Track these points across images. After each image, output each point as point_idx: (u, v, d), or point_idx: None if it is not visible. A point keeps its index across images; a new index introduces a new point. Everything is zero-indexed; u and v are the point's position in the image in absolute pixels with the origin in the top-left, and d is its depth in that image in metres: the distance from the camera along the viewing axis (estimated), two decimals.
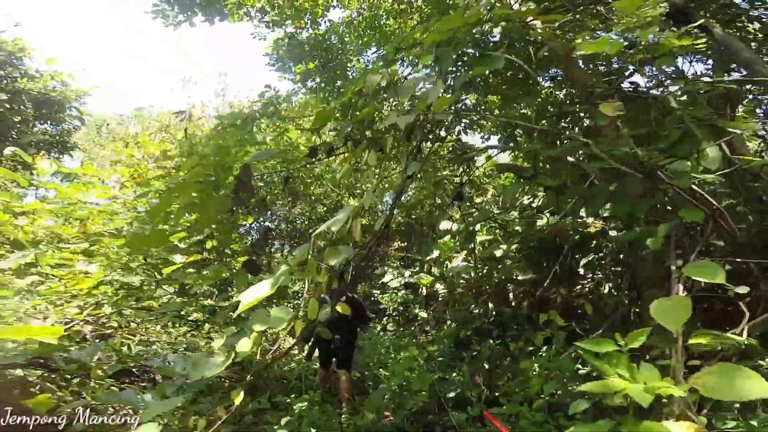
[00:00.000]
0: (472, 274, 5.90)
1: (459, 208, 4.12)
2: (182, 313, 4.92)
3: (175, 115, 5.85)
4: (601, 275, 4.59)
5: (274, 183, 6.99)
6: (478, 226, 4.82)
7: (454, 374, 3.42)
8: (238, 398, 1.81)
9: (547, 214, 4.32)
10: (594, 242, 4.33)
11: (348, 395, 4.34)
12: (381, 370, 5.08)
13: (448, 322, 6.29)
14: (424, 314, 7.49)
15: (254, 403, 3.78)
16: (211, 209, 2.49)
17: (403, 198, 9.29)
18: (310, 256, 1.56)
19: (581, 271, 4.43)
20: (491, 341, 3.94)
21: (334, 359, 4.83)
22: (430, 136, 2.09)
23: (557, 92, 5.32)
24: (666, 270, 3.15)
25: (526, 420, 2.26)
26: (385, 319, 8.15)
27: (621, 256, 4.55)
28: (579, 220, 4.16)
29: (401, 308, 8.11)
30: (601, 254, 4.50)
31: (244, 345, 1.66)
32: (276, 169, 5.51)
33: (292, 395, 3.80)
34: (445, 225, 6.50)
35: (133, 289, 4.68)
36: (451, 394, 3.11)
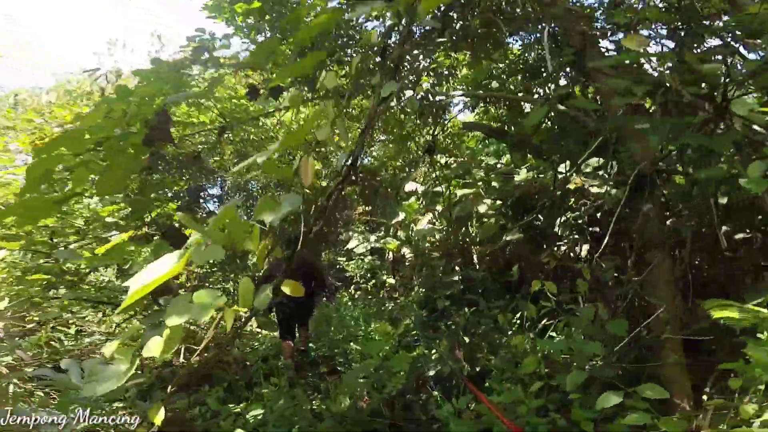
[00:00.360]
0: (437, 236, 5.58)
1: (430, 162, 3.70)
2: (116, 298, 4.26)
3: (87, 74, 4.87)
4: (577, 236, 4.35)
5: (221, 144, 6.18)
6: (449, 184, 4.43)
7: (433, 349, 3.08)
8: (158, 417, 1.34)
9: (525, 170, 3.99)
10: (572, 199, 4.06)
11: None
12: (351, 344, 4.70)
13: (416, 288, 6.01)
14: (391, 280, 7.18)
15: (212, 399, 3.29)
16: (117, 168, 1.89)
17: (366, 160, 8.73)
18: (236, 215, 1.06)
19: (558, 231, 4.16)
20: (466, 310, 3.62)
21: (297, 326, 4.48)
22: (408, 57, 1.61)
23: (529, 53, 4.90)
24: (668, 230, 2.86)
25: (524, 406, 1.95)
26: (352, 287, 7.79)
27: (599, 215, 4.33)
28: (559, 175, 3.87)
29: (368, 275, 7.75)
30: (577, 213, 4.25)
31: (154, 347, 1.17)
32: (214, 123, 4.76)
33: (243, 403, 3.30)
34: (410, 186, 6.13)
35: (60, 274, 3.98)
36: (432, 372, 2.78)
